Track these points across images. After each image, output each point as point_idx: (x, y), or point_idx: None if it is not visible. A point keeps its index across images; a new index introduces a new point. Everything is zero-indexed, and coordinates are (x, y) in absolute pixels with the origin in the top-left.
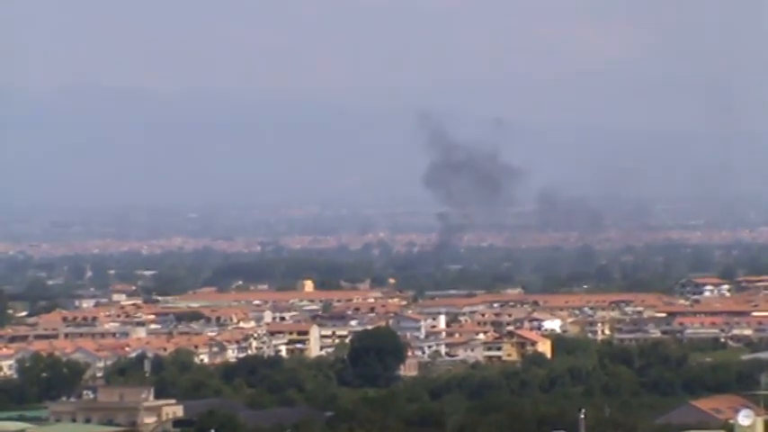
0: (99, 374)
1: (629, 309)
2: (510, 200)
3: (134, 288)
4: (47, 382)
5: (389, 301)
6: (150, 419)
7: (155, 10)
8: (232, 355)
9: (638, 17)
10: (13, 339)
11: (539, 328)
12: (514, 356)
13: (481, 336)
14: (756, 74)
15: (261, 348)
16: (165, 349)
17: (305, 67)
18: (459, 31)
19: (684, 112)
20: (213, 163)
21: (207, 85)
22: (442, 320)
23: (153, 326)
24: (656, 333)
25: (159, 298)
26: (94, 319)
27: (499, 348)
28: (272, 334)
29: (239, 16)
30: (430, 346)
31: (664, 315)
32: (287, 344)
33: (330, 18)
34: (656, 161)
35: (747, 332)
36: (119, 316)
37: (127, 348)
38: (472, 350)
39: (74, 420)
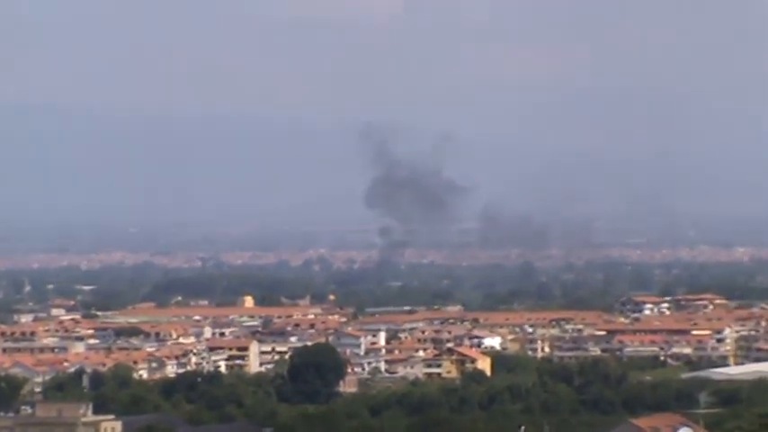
0: (37, 389)
1: (569, 326)
2: (453, 217)
3: (73, 303)
4: None
5: (329, 317)
6: None
7: (90, 26)
8: (171, 370)
9: (583, 38)
10: None
11: (478, 346)
12: (454, 373)
13: (421, 353)
14: (696, 93)
15: (200, 364)
16: (103, 365)
17: (246, 83)
18: (403, 49)
19: (626, 132)
20: (154, 179)
21: (148, 102)
22: (382, 337)
23: (92, 341)
24: (595, 351)
25: (98, 313)
26: (33, 333)
27: (439, 365)
28: (211, 350)
29: (179, 33)
30: (370, 363)
31: (603, 333)
32: (226, 360)
33: (271, 34)
34: (598, 180)
35: (687, 350)
36: (57, 331)
37: (65, 363)
38: (412, 367)
39: None
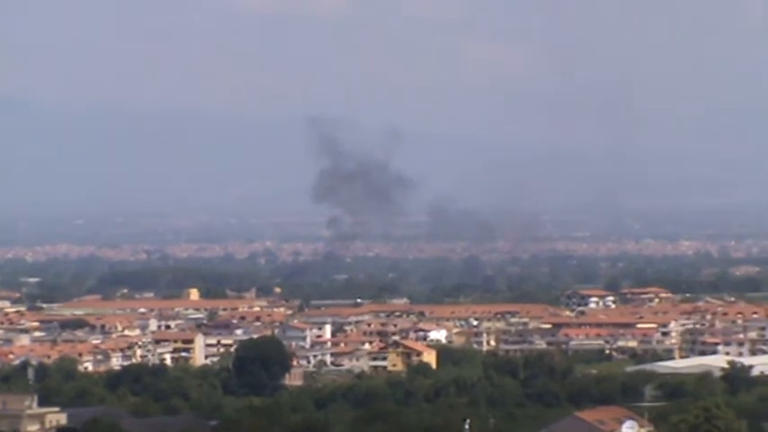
0: None
1: (514, 320)
2: (400, 210)
3: (18, 295)
4: None
5: (275, 310)
6: (33, 427)
7: (41, 20)
8: (116, 363)
9: (533, 33)
10: None
11: (424, 339)
12: (400, 366)
13: (367, 346)
14: (647, 91)
15: (145, 357)
16: (48, 357)
17: (192, 76)
18: (351, 42)
19: (575, 127)
20: (100, 171)
21: (94, 94)
22: (328, 330)
23: (37, 333)
24: (541, 344)
25: (44, 305)
26: None
27: (384, 358)
28: (156, 342)
29: (124, 26)
30: (315, 356)
31: (549, 326)
32: (172, 352)
33: (218, 28)
34: (546, 174)
35: (632, 344)
36: (2, 323)
37: (10, 356)
38: (357, 360)
39: None
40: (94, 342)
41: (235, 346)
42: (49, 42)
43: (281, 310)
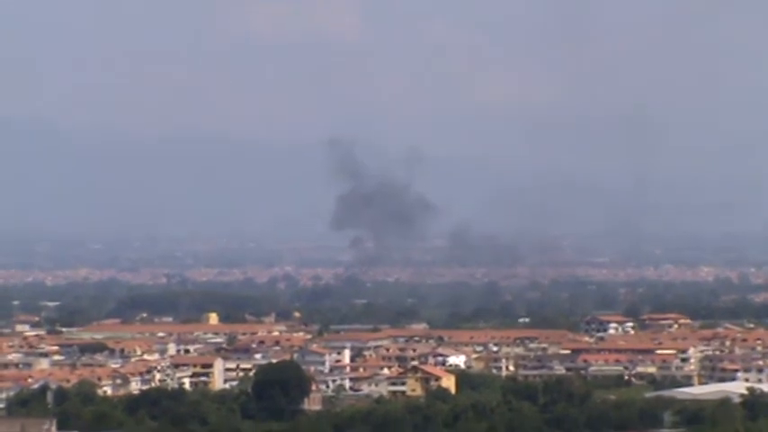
0: (1, 405)
1: (533, 345)
2: (420, 235)
3: (38, 319)
4: None
5: (294, 334)
6: None
7: (58, 42)
8: (135, 387)
9: (553, 59)
10: None
11: (443, 364)
12: (419, 391)
13: (385, 370)
14: (667, 116)
15: (164, 381)
16: (68, 381)
17: (210, 102)
18: (372, 67)
19: (596, 152)
20: (118, 196)
21: (113, 119)
22: (347, 355)
23: (56, 357)
24: (560, 370)
25: (63, 329)
26: None
27: (403, 383)
28: (175, 366)
29: (144, 51)
30: (334, 381)
31: (568, 352)
32: (191, 376)
33: (238, 53)
34: (566, 200)
35: (651, 370)
36: (22, 347)
37: (29, 379)
38: (376, 385)
39: None
40: (114, 366)
41: (254, 371)
42: (67, 65)
43: (301, 334)
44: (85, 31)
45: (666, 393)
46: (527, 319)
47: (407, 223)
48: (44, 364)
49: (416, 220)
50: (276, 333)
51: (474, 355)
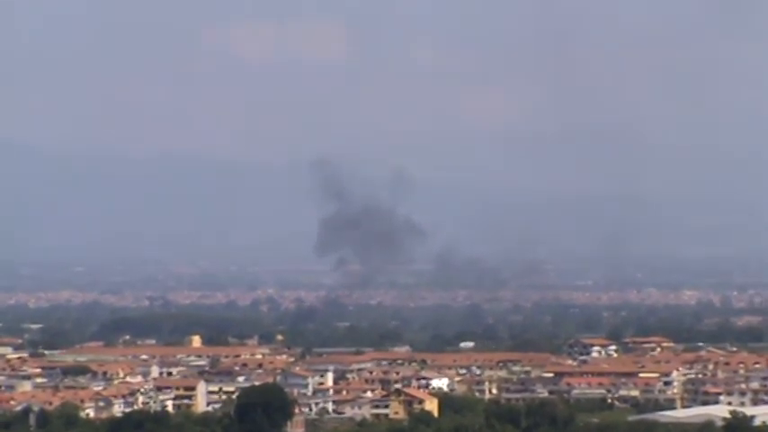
0: None
1: (516, 368)
2: (405, 257)
3: (20, 341)
4: None
5: (277, 357)
6: None
7: (46, 65)
8: (118, 409)
9: (535, 78)
10: None
11: (426, 387)
12: (401, 414)
13: (369, 393)
14: (649, 137)
15: (147, 403)
16: (50, 403)
17: (191, 121)
18: (358, 89)
19: (578, 173)
20: (99, 218)
21: (95, 140)
22: (330, 377)
23: (39, 379)
24: (543, 393)
25: (46, 351)
26: None
27: (386, 406)
28: (158, 389)
29: (127, 71)
30: (317, 403)
31: (551, 375)
32: (174, 399)
33: (222, 74)
34: (549, 221)
35: (634, 393)
36: (4, 369)
37: (12, 402)
38: (359, 408)
39: None
40: (96, 389)
41: (237, 394)
42: (47, 86)
43: (284, 357)
44: (66, 50)
45: (650, 417)
46: (510, 342)
47: (393, 246)
48: (27, 386)
49: (402, 243)
50: (259, 356)
51: (457, 378)
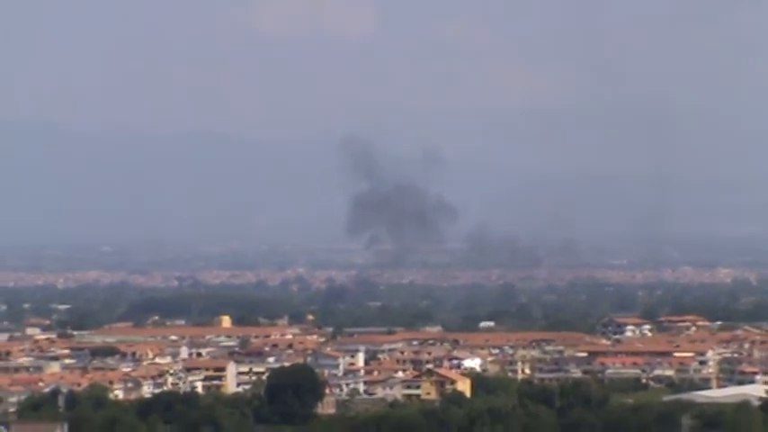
0: (12, 410)
1: (549, 348)
2: (438, 236)
3: (48, 322)
4: None
5: (307, 337)
6: None
7: (66, 49)
8: (147, 390)
9: (569, 53)
10: None
11: (458, 367)
12: (433, 395)
13: (400, 374)
14: (686, 113)
15: (177, 384)
16: (79, 384)
17: (221, 100)
18: (386, 65)
19: (613, 151)
20: (128, 198)
21: (119, 122)
22: (361, 358)
23: (67, 361)
24: (576, 373)
25: (74, 332)
26: (8, 353)
27: (418, 387)
28: (188, 370)
29: (150, 50)
30: (348, 384)
31: (585, 355)
32: (203, 380)
33: (246, 50)
34: (584, 200)
35: (669, 373)
36: (32, 350)
37: (41, 383)
38: (391, 388)
39: None
40: (125, 370)
41: (267, 374)
42: (74, 68)
43: (314, 337)
44: (91, 32)
45: (684, 397)
46: (543, 322)
47: (425, 225)
48: (55, 367)
49: (434, 222)
50: (289, 336)
51: (489, 358)
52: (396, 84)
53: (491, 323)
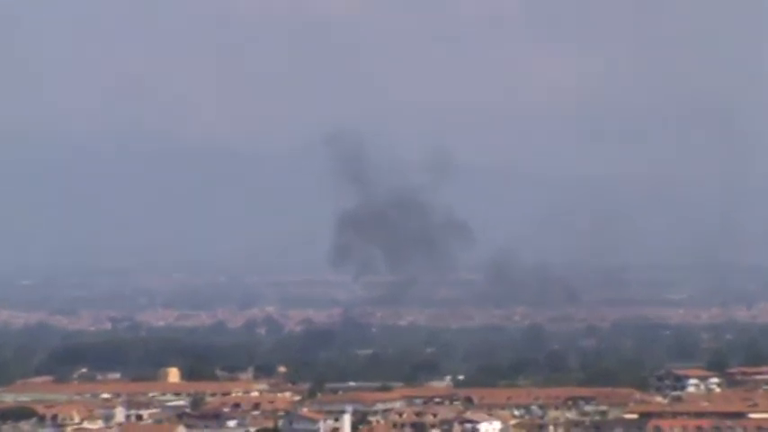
0: None
1: (589, 408)
2: (446, 264)
3: None
4: None
5: (279, 395)
6: None
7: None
8: None
9: (612, 38)
10: None
11: None
12: None
13: None
14: (760, 112)
15: None
16: None
17: (169, 92)
18: (379, 50)
19: (668, 158)
20: (51, 220)
21: (52, 125)
22: (347, 421)
23: None
24: None
25: None
26: None
27: None
28: None
29: (113, 47)
30: None
31: (635, 417)
32: None
33: (218, 31)
34: (632, 219)
35: None
36: None
37: None
38: None
39: None
40: None
41: None
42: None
43: (287, 395)
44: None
45: None
46: (581, 375)
47: (431, 249)
48: None
49: (443, 245)
50: (255, 393)
51: (512, 421)
52: (393, 74)
53: (515, 377)
